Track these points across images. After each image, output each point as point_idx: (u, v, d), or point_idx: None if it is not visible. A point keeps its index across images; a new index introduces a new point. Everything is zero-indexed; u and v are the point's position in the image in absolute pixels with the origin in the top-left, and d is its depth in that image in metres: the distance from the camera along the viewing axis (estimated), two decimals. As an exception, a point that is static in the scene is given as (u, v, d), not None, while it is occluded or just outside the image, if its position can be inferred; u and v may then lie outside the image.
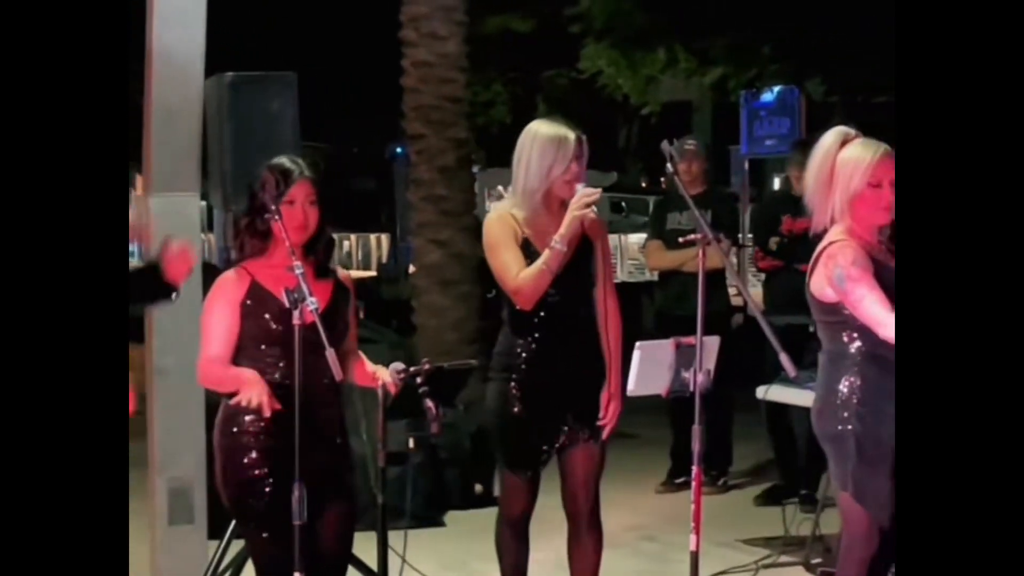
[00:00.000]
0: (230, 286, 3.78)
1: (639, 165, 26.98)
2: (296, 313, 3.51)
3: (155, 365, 4.85)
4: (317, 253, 3.85)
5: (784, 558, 5.73)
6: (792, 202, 6.57)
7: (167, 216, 4.91)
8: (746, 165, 15.29)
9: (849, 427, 3.72)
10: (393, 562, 4.52)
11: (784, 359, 3.56)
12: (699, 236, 3.86)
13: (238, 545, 4.80)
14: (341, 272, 4.01)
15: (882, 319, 3.59)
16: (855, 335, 3.72)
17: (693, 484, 3.82)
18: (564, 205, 4.16)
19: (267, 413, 3.59)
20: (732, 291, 7.28)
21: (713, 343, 3.93)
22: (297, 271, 3.54)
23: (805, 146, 6.93)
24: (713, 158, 7.52)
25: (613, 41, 12.73)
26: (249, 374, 3.69)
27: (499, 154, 19.25)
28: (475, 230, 8.68)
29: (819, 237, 3.83)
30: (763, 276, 7.37)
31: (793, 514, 5.98)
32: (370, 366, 4.04)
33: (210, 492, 4.80)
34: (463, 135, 8.71)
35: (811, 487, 6.49)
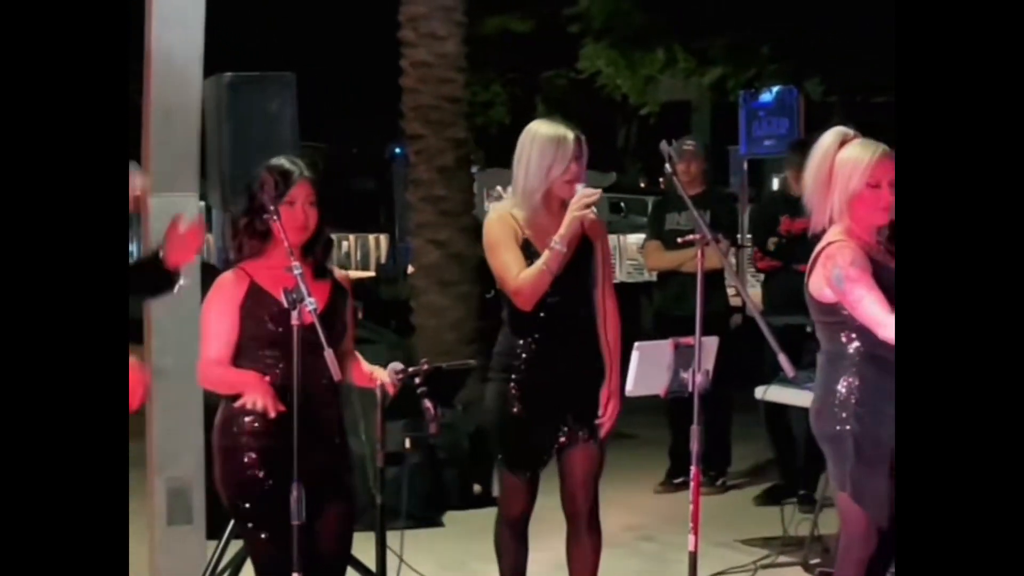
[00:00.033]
0: (229, 287, 3.78)
1: (638, 165, 26.98)
2: (295, 314, 3.51)
3: (154, 365, 4.85)
4: (315, 254, 3.85)
5: (782, 558, 5.73)
6: (791, 203, 6.57)
7: (166, 216, 4.89)
8: (745, 165, 15.31)
9: (847, 427, 3.72)
10: (392, 562, 4.52)
11: (783, 359, 3.57)
12: (698, 236, 3.86)
13: (237, 545, 4.81)
14: (338, 272, 4.01)
15: (881, 319, 3.59)
16: (853, 335, 3.72)
17: (692, 484, 3.82)
18: (564, 205, 4.16)
19: (272, 415, 3.59)
20: (731, 291, 7.28)
21: (712, 343, 3.93)
22: (296, 271, 3.54)
23: (802, 147, 6.94)
24: (712, 158, 7.51)
25: (612, 41, 12.73)
26: (252, 376, 3.69)
27: (498, 154, 19.27)
28: (474, 230, 8.68)
29: (818, 237, 3.83)
30: (762, 276, 7.37)
31: (791, 514, 5.98)
32: (367, 366, 4.04)
33: (209, 492, 4.80)
34: (462, 135, 8.71)
35: (809, 487, 6.49)
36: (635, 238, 17.29)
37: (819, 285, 3.76)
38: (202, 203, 5.26)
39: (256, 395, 3.62)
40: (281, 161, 3.82)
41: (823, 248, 3.77)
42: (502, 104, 19.71)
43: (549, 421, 4.29)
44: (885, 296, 3.60)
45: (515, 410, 4.26)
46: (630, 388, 3.96)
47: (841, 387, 3.74)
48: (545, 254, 4.14)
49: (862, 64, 11.00)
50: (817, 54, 11.43)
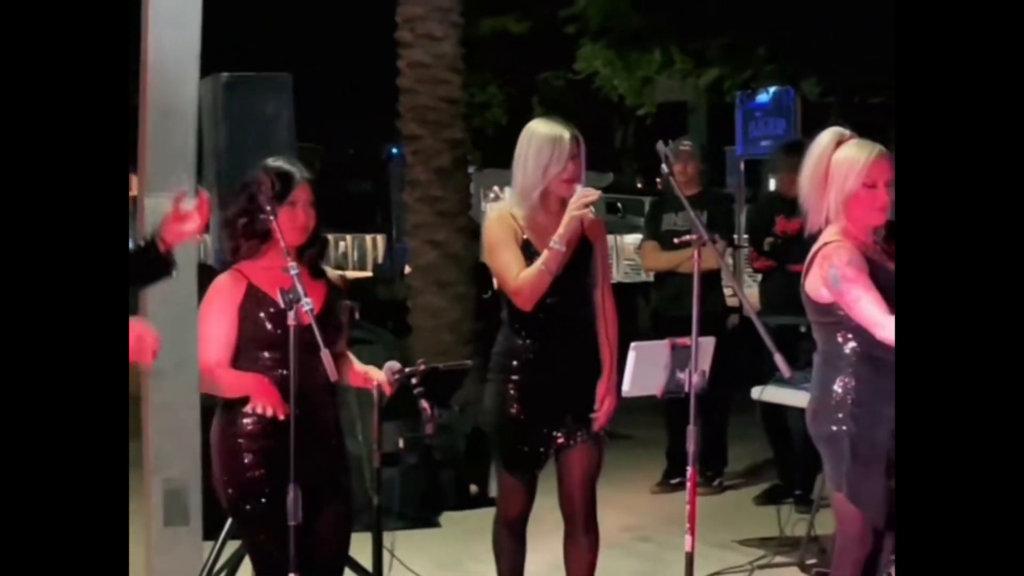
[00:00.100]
0: (227, 289, 3.78)
1: (635, 166, 27.01)
2: (291, 314, 3.51)
3: (150, 366, 4.84)
4: (311, 254, 3.85)
5: (779, 559, 5.73)
6: (787, 203, 6.57)
7: (160, 217, 4.88)
8: (741, 166, 15.29)
9: (844, 428, 3.72)
10: (388, 563, 4.51)
11: (779, 360, 3.56)
12: (694, 237, 3.86)
13: (233, 546, 4.81)
14: (331, 272, 4.01)
15: (878, 320, 3.59)
16: (850, 336, 3.72)
17: (688, 485, 3.82)
18: (564, 205, 4.16)
19: (281, 417, 3.59)
20: (728, 292, 7.28)
21: (708, 344, 3.93)
22: (292, 272, 3.54)
23: (791, 149, 6.99)
24: (708, 159, 7.53)
25: (609, 42, 12.75)
26: (256, 379, 3.70)
27: (495, 155, 19.27)
28: (471, 231, 8.69)
29: (814, 238, 3.83)
30: (759, 277, 7.38)
31: (788, 515, 5.99)
32: (360, 367, 4.05)
33: (205, 493, 4.79)
34: (459, 136, 8.71)
35: (806, 488, 6.49)
36: (632, 238, 17.31)
37: (815, 285, 3.76)
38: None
39: (264, 399, 3.63)
40: (280, 162, 3.81)
41: (820, 248, 3.77)
42: (499, 105, 19.73)
43: (548, 422, 4.29)
44: (882, 296, 3.61)
45: (514, 410, 4.26)
46: (626, 388, 3.96)
47: (837, 387, 3.74)
48: (544, 254, 4.14)
49: (859, 64, 11.01)
50: (814, 55, 11.45)
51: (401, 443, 5.95)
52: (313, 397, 3.70)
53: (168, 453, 4.90)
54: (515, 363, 4.27)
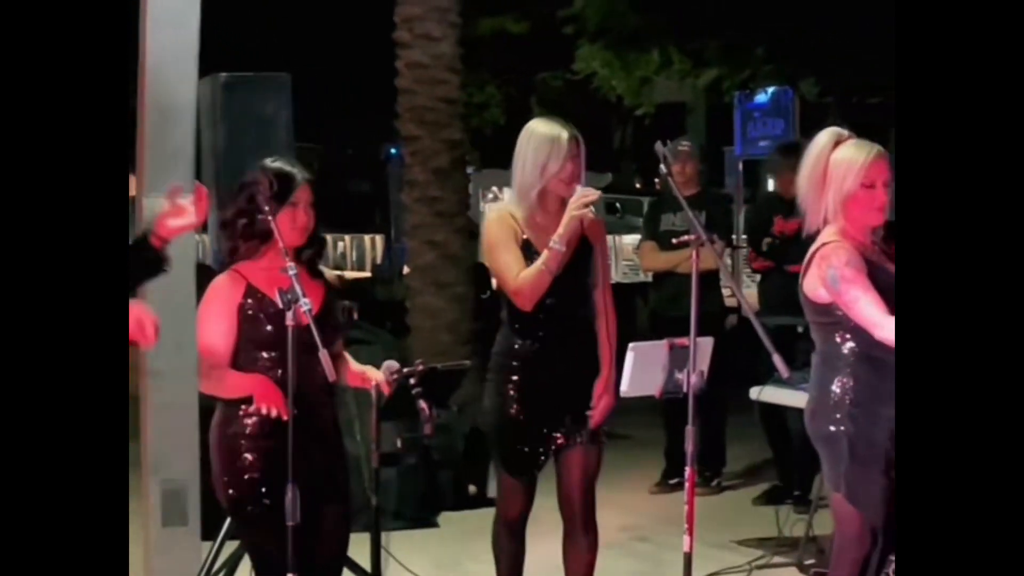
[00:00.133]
0: (226, 290, 3.78)
1: (633, 166, 27.02)
2: (289, 314, 3.51)
3: (149, 366, 4.84)
4: (310, 254, 3.86)
5: (777, 559, 5.73)
6: (786, 203, 6.57)
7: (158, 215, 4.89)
8: (740, 166, 15.28)
9: (842, 428, 3.72)
10: (387, 563, 4.52)
11: (777, 360, 3.56)
12: (693, 237, 3.86)
13: (232, 546, 4.81)
14: (327, 272, 4.01)
15: (877, 320, 3.59)
16: (848, 336, 3.73)
17: (687, 485, 3.82)
18: (564, 205, 4.16)
19: (286, 417, 3.59)
20: (726, 292, 7.28)
21: (707, 344, 3.93)
22: (291, 272, 3.54)
23: (786, 150, 6.99)
24: (707, 159, 7.52)
25: (607, 42, 12.74)
26: (258, 379, 3.69)
27: (493, 155, 19.28)
28: (469, 232, 8.69)
29: (812, 238, 3.83)
30: (758, 277, 7.38)
31: (787, 515, 5.99)
32: (357, 366, 4.05)
33: (204, 493, 4.79)
34: (457, 136, 8.71)
35: (804, 488, 6.49)
36: (631, 239, 17.30)
37: (814, 285, 3.76)
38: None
39: (268, 401, 3.63)
40: (280, 163, 3.81)
41: (818, 249, 3.77)
42: (497, 105, 19.71)
43: (547, 422, 4.28)
44: (880, 297, 3.61)
45: (513, 411, 4.26)
46: (625, 388, 3.96)
47: (835, 388, 3.74)
48: (544, 254, 4.14)
49: (857, 65, 11.02)
50: (812, 55, 11.45)
51: (399, 443, 5.95)
52: (311, 397, 3.71)
53: (166, 453, 4.90)
54: (515, 363, 4.27)
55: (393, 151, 18.69)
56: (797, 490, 6.60)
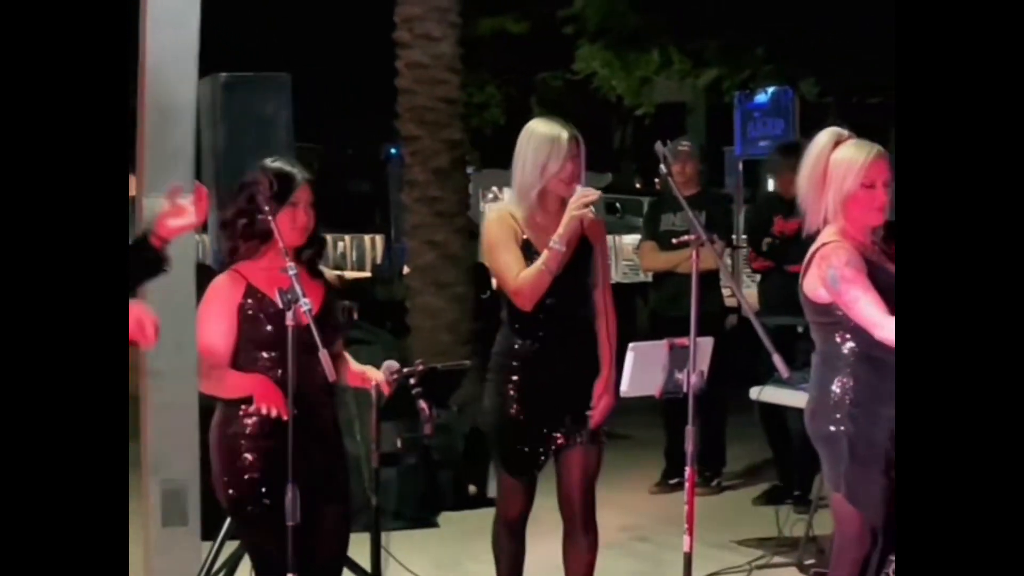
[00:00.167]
0: (226, 290, 3.78)
1: (633, 166, 27.02)
2: (289, 314, 3.51)
3: (148, 366, 4.84)
4: (310, 254, 3.86)
5: (777, 559, 5.73)
6: (785, 203, 6.57)
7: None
8: (740, 166, 15.28)
9: (842, 428, 3.72)
10: (387, 563, 4.52)
11: (777, 360, 3.56)
12: (693, 237, 3.86)
13: (232, 546, 4.80)
14: (327, 272, 4.02)
15: (877, 320, 3.59)
16: (848, 336, 3.73)
17: (687, 485, 3.82)
18: (564, 204, 4.16)
19: (286, 417, 3.59)
20: (726, 292, 7.29)
21: (707, 344, 3.93)
22: (291, 272, 3.54)
23: (785, 151, 6.99)
24: (707, 159, 7.52)
25: (607, 42, 12.74)
26: (259, 379, 3.69)
27: (493, 156, 19.27)
28: (469, 232, 8.69)
29: (812, 238, 3.83)
30: (758, 277, 7.38)
31: (786, 515, 5.99)
32: (357, 366, 4.05)
33: (204, 493, 4.79)
34: (457, 136, 8.71)
35: (804, 488, 6.49)
36: (631, 239, 17.30)
37: (814, 286, 3.76)
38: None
39: (269, 401, 3.63)
40: (281, 163, 3.81)
41: (818, 249, 3.77)
42: (497, 105, 19.71)
43: (547, 422, 4.28)
44: (880, 297, 3.61)
45: (513, 411, 4.26)
46: (625, 388, 3.96)
47: (835, 388, 3.74)
48: (545, 254, 4.14)
49: (857, 64, 11.02)
50: (812, 55, 11.45)
51: (399, 443, 5.95)
52: (311, 397, 3.71)
53: (166, 453, 4.90)
54: (515, 363, 4.27)
55: (393, 151, 18.69)
56: (797, 490, 6.60)
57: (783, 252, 6.69)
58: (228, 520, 4.47)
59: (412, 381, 4.02)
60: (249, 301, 3.75)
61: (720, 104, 14.13)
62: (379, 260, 22.11)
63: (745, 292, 5.51)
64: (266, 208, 3.68)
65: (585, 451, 4.31)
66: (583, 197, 4.12)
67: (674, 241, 4.63)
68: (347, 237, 22.97)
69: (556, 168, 4.17)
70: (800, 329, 5.57)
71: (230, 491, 3.75)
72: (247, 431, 3.72)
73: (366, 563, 4.47)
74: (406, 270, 10.30)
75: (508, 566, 4.44)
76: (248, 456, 3.72)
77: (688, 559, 3.82)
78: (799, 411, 4.07)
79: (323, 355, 3.46)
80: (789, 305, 4.52)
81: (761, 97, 12.76)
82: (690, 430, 3.79)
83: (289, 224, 3.72)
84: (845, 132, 3.83)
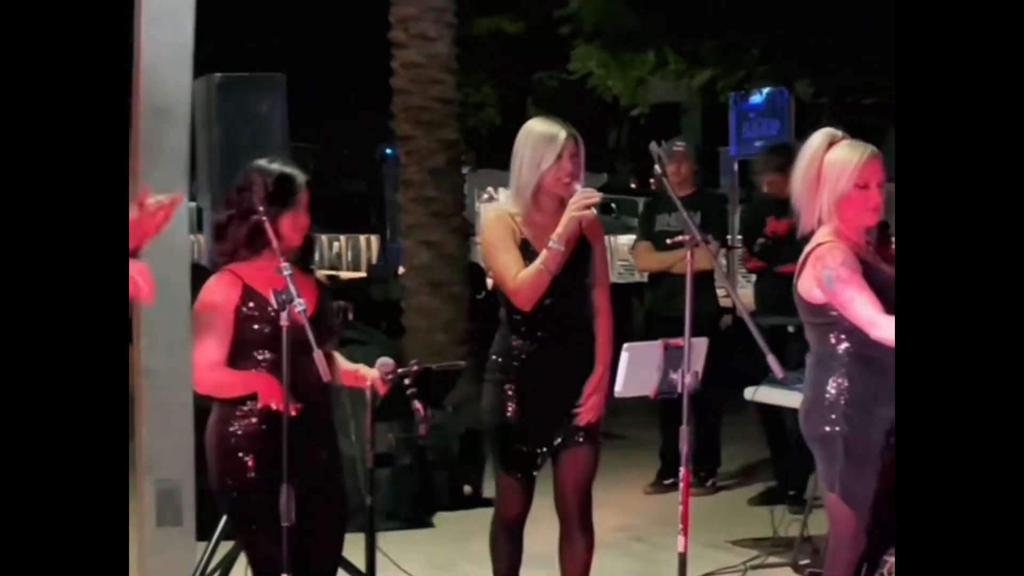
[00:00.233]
0: (223, 290, 3.77)
1: (629, 166, 27.02)
2: (283, 314, 3.51)
3: (143, 366, 4.84)
4: (304, 255, 3.86)
5: (772, 559, 5.73)
6: (781, 204, 6.57)
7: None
8: (735, 167, 15.29)
9: (837, 428, 3.72)
10: (382, 563, 4.51)
11: (772, 360, 3.57)
12: (688, 238, 3.87)
13: (227, 546, 4.80)
14: (317, 273, 4.02)
15: (873, 319, 3.59)
16: (843, 336, 3.73)
17: (681, 485, 3.82)
18: (562, 204, 4.16)
19: (293, 413, 3.58)
20: (721, 292, 7.29)
21: (701, 344, 3.93)
22: (286, 272, 3.54)
23: (773, 151, 6.99)
24: (702, 160, 7.53)
25: (603, 43, 12.73)
26: (262, 377, 3.69)
27: (489, 156, 19.27)
28: (464, 232, 8.69)
29: (805, 238, 3.84)
30: (754, 277, 7.39)
31: (781, 515, 5.99)
32: (349, 365, 4.04)
33: (198, 493, 4.79)
34: (453, 136, 8.71)
35: (799, 488, 6.50)
36: (626, 239, 17.31)
37: (808, 286, 3.77)
38: (192, 204, 5.27)
39: (271, 397, 3.63)
40: (280, 165, 3.81)
41: (812, 249, 3.77)
42: (493, 105, 19.70)
43: (545, 422, 4.28)
44: (876, 296, 3.61)
45: (511, 411, 4.26)
46: (619, 389, 3.96)
47: (830, 388, 3.75)
48: (543, 254, 4.14)
49: (853, 65, 11.01)
50: (807, 55, 11.45)
51: (392, 441, 5.95)
52: (307, 397, 3.70)
53: (161, 453, 4.90)
54: (513, 363, 4.27)
55: (389, 151, 18.70)
56: (792, 490, 6.61)
57: (775, 252, 6.70)
58: (223, 520, 4.47)
59: (407, 381, 4.02)
60: (247, 302, 3.74)
61: (715, 104, 14.14)
62: (374, 260, 22.13)
63: (741, 293, 5.51)
64: (261, 209, 3.68)
65: (582, 452, 4.31)
66: (584, 198, 4.12)
67: (669, 241, 4.64)
68: (342, 237, 22.99)
69: (553, 167, 4.17)
70: (791, 329, 5.57)
71: (227, 491, 3.75)
72: (244, 431, 3.72)
73: (361, 563, 4.47)
74: (401, 270, 10.29)
75: (504, 567, 4.44)
76: (245, 455, 3.71)
77: (683, 559, 3.82)
78: (795, 411, 4.07)
79: (318, 355, 3.46)
80: (785, 306, 4.52)
81: (756, 98, 12.77)
82: (685, 430, 3.80)
83: (291, 226, 3.74)
84: (839, 133, 3.83)
